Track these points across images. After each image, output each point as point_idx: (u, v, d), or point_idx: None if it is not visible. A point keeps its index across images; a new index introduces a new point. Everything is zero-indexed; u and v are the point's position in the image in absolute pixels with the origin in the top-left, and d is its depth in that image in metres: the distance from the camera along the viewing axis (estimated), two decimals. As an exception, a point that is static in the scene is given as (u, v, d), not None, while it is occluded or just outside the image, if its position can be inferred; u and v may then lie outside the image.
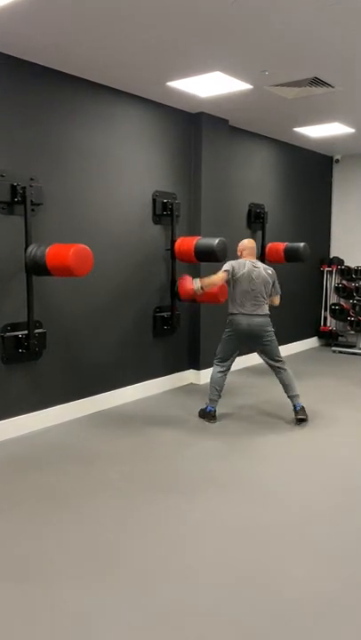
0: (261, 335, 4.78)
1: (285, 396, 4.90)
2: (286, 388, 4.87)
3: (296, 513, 3.24)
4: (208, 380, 6.09)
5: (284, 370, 4.86)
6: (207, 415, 4.83)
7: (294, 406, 4.84)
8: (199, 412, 4.95)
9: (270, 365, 4.91)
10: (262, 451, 4.22)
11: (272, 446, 4.31)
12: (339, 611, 2.38)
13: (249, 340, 4.86)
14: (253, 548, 2.86)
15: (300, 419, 4.77)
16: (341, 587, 2.55)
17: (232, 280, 4.71)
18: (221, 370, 4.86)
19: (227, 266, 4.73)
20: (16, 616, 2.33)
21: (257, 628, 2.27)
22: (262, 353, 4.90)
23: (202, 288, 4.73)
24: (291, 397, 4.87)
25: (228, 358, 4.85)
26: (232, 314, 4.76)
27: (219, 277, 4.69)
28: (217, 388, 4.83)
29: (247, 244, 4.99)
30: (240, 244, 5.02)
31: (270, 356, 4.87)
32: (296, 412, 4.82)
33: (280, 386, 4.94)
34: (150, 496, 3.42)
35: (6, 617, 2.33)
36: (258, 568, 2.68)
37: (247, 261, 4.81)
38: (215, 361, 4.90)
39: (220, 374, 4.86)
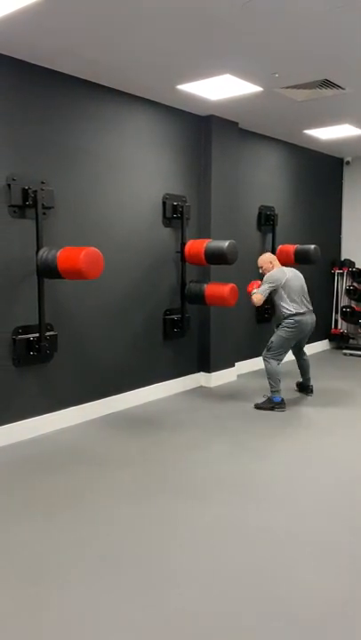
0: (313, 328, 5.48)
1: (294, 391, 5.74)
2: (307, 371, 5.69)
3: (308, 517, 3.22)
4: (218, 384, 6.15)
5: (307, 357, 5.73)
6: (280, 404, 5.21)
7: (310, 386, 5.73)
8: (262, 405, 5.24)
9: (299, 353, 5.65)
10: (274, 454, 4.20)
11: (284, 449, 4.29)
12: (351, 614, 2.37)
13: (307, 334, 5.47)
14: (263, 552, 2.85)
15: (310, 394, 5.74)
16: (353, 593, 2.53)
17: (280, 287, 5.24)
18: (280, 362, 5.33)
19: (270, 281, 5.26)
20: (26, 616, 2.34)
21: (264, 633, 2.26)
22: (303, 343, 5.58)
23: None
24: (308, 379, 5.72)
25: (286, 352, 5.37)
26: (297, 314, 5.25)
27: (259, 299, 5.23)
28: (279, 379, 5.28)
29: (270, 256, 5.57)
30: (265, 258, 5.50)
31: (304, 344, 5.63)
32: (312, 390, 5.73)
33: (291, 389, 5.53)
34: (162, 499, 3.42)
35: (17, 617, 2.33)
36: (267, 573, 2.67)
37: (284, 268, 5.42)
38: (273, 356, 5.28)
39: (280, 366, 5.33)
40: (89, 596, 2.48)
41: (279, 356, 5.28)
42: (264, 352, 5.36)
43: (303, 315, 5.26)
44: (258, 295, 5.21)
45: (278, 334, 5.28)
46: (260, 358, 6.77)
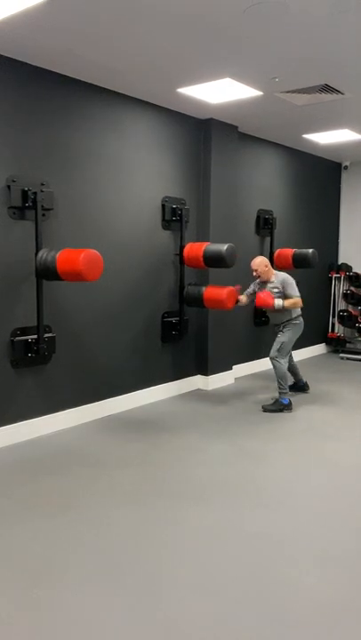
0: None
1: (293, 388, 5.84)
2: (298, 371, 5.89)
3: (307, 519, 3.22)
4: (216, 386, 6.15)
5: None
6: (288, 406, 5.31)
7: (305, 383, 5.96)
8: (270, 408, 5.28)
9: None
10: (272, 456, 4.21)
11: (282, 452, 4.30)
12: (351, 618, 2.37)
13: None
14: (263, 555, 2.85)
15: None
16: (353, 597, 2.53)
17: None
18: (287, 362, 5.49)
19: (292, 281, 5.37)
20: (25, 617, 2.34)
21: (264, 635, 2.26)
22: None
23: (283, 307, 5.28)
24: (300, 378, 5.92)
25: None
26: (300, 316, 5.48)
27: (300, 301, 5.37)
28: (289, 380, 5.48)
29: (265, 259, 5.48)
30: (261, 262, 5.44)
31: None
32: (308, 386, 5.99)
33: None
34: (160, 501, 3.42)
35: (16, 618, 2.33)
36: (267, 575, 2.67)
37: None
38: (283, 357, 5.39)
39: (287, 366, 5.49)
40: (88, 597, 2.48)
41: (288, 355, 5.44)
42: (275, 354, 5.36)
43: (301, 316, 5.48)
44: (298, 299, 5.33)
45: (287, 335, 5.38)
46: (258, 361, 6.83)
